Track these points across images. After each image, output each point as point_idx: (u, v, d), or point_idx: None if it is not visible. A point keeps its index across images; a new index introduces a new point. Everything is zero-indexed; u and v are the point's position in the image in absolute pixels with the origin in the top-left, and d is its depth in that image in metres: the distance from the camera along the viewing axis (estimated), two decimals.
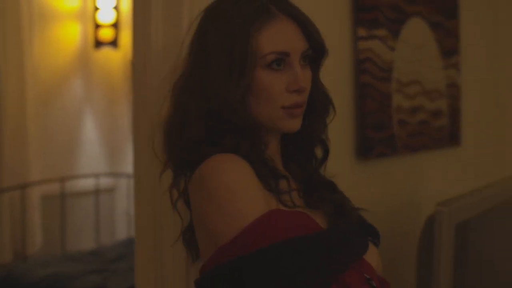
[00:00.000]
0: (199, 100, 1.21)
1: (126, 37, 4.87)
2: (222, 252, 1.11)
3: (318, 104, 1.32)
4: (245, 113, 1.22)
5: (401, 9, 2.38)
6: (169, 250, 1.53)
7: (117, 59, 4.98)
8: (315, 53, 1.28)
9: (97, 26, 4.86)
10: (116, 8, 4.89)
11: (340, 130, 1.99)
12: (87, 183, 4.74)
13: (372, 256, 1.25)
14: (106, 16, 4.84)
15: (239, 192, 1.13)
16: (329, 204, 1.30)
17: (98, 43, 4.88)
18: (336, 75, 2.08)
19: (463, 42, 3.01)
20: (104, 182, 4.85)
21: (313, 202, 1.28)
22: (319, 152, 1.41)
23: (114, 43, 4.89)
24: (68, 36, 4.76)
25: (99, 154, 4.93)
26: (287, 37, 1.21)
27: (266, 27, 1.19)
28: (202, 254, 1.25)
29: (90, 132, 4.87)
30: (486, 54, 3.40)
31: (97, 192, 4.79)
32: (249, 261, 1.08)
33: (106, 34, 4.86)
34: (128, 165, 4.62)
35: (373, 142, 2.21)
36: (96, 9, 4.86)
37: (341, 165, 1.94)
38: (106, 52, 4.93)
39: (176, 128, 1.24)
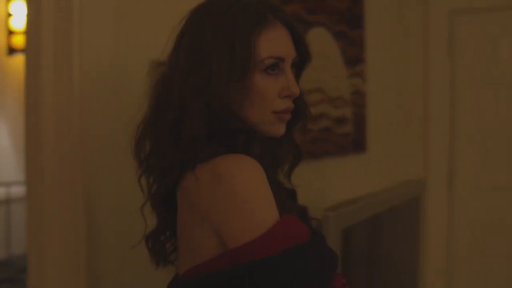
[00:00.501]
0: (200, 102, 1.19)
1: None
2: (246, 250, 1.10)
3: (300, 111, 1.33)
4: (240, 116, 1.23)
5: (302, 19, 2.44)
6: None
7: None
8: (301, 60, 1.31)
9: (10, 33, 4.78)
10: None
11: None
12: None
13: None
14: (19, 23, 4.76)
15: (261, 195, 1.13)
16: (294, 212, 1.29)
17: (11, 50, 4.79)
18: None
19: (368, 51, 3.11)
20: (16, 190, 4.76)
21: (279, 209, 1.19)
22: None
23: None
24: None
25: (12, 162, 4.85)
26: (283, 44, 1.25)
27: (265, 33, 1.22)
28: (189, 254, 1.22)
29: (3, 139, 4.79)
30: (390, 62, 3.52)
31: (8, 201, 4.70)
32: (273, 263, 1.09)
33: (19, 40, 4.77)
34: None
35: None
36: (9, 15, 4.78)
37: None
38: (20, 59, 4.85)
39: (168, 130, 1.22)
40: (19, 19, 4.79)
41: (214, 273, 1.13)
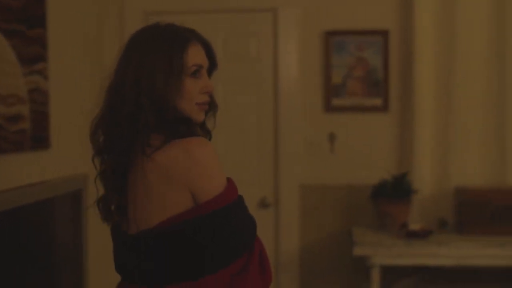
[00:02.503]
0: (149, 100, 1.68)
1: None
2: (210, 204, 1.66)
3: (211, 104, 1.85)
4: (176, 108, 1.74)
5: None
6: None
7: None
8: (211, 67, 1.86)
9: None
10: None
11: None
12: None
13: None
14: None
15: (217, 164, 1.69)
16: None
17: None
18: None
19: (51, 49, 3.16)
20: None
21: None
22: None
23: None
24: None
25: None
26: (201, 56, 1.79)
27: (190, 49, 1.75)
28: (155, 212, 1.69)
29: None
30: (81, 60, 3.60)
31: None
32: (232, 207, 1.70)
33: None
34: None
35: None
36: None
37: None
38: None
39: (126, 121, 1.69)
40: None
41: (191, 218, 1.65)
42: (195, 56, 1.77)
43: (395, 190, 3.91)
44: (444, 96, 4.13)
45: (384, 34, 4.21)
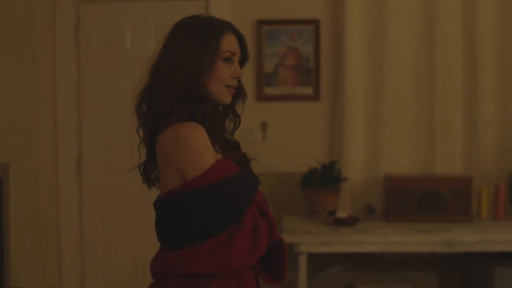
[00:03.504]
0: (181, 77, 1.89)
1: None
2: (196, 181, 1.83)
3: (238, 91, 2.03)
4: (204, 87, 1.92)
5: None
6: None
7: None
8: (243, 59, 2.03)
9: None
10: None
11: None
12: None
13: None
14: None
15: (204, 147, 1.85)
16: (236, 156, 2.00)
17: None
18: None
19: None
20: None
21: (227, 154, 1.98)
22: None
23: None
24: None
25: None
26: (235, 45, 1.97)
27: (226, 36, 1.94)
28: (164, 184, 1.92)
29: None
30: (14, 50, 3.55)
31: None
32: (217, 185, 1.83)
33: None
34: None
35: None
36: None
37: None
38: None
39: (158, 96, 1.90)
40: None
41: (177, 194, 1.84)
42: (229, 43, 1.96)
43: (324, 178, 3.96)
44: (374, 85, 4.19)
45: (315, 23, 4.24)
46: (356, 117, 4.18)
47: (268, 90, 4.28)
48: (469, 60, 4.19)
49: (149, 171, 2.02)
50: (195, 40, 1.92)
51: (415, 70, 4.21)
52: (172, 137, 1.85)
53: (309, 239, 3.68)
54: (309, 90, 4.26)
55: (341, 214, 3.79)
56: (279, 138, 4.29)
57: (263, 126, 4.29)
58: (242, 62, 2.04)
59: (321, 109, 4.28)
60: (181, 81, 1.89)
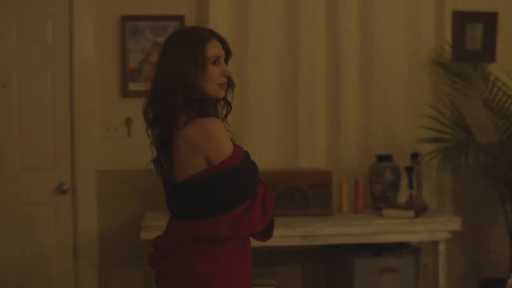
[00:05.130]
0: (181, 85, 2.24)
1: None
2: (222, 165, 2.23)
3: (230, 83, 2.39)
4: (201, 89, 2.29)
5: None
6: None
7: None
8: (227, 56, 2.40)
9: None
10: None
11: None
12: None
13: None
14: None
15: (225, 137, 2.25)
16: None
17: None
18: None
19: None
20: None
21: None
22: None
23: None
24: None
25: None
26: (218, 48, 2.33)
27: (209, 44, 2.30)
28: (185, 170, 2.26)
29: None
30: None
31: None
32: (237, 167, 2.24)
33: None
34: None
35: None
36: None
37: None
38: None
39: (164, 101, 2.26)
40: None
41: (206, 176, 2.24)
42: (213, 49, 2.31)
43: None
44: (238, 82, 4.18)
45: (180, 19, 4.23)
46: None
47: (133, 86, 4.24)
48: (332, 57, 4.29)
49: (162, 163, 2.36)
50: (185, 52, 2.27)
51: (278, 67, 4.27)
52: (198, 130, 2.23)
53: None
54: None
55: None
56: (144, 135, 4.22)
57: (128, 122, 4.24)
58: (226, 59, 2.41)
59: None
60: (182, 88, 2.25)
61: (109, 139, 4.25)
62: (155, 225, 3.69)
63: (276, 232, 3.63)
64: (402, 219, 3.88)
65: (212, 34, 2.37)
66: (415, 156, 4.16)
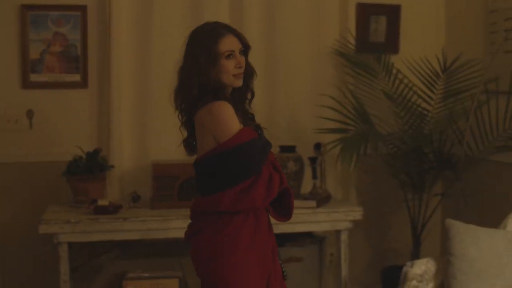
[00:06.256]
0: (197, 78, 2.46)
1: None
2: (227, 143, 2.40)
3: (248, 73, 2.58)
4: (218, 80, 2.48)
5: None
6: None
7: None
8: (245, 49, 2.54)
9: None
10: None
11: None
12: None
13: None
14: None
15: (231, 118, 2.42)
16: (252, 125, 2.57)
17: None
18: None
19: None
20: None
21: (247, 123, 2.54)
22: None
23: None
24: None
25: None
26: (233, 42, 2.49)
27: (222, 40, 2.47)
28: (200, 149, 2.50)
29: None
30: None
31: None
32: (241, 146, 2.40)
33: None
34: None
35: None
36: None
37: None
38: None
39: (185, 91, 2.51)
40: None
41: (214, 154, 2.43)
42: (226, 44, 2.47)
43: (88, 166, 3.92)
44: (142, 72, 4.19)
45: (82, 9, 4.16)
46: (124, 105, 4.16)
47: (34, 77, 4.15)
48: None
49: (190, 144, 2.62)
50: (201, 49, 2.47)
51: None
52: (207, 112, 2.43)
53: (68, 228, 3.63)
54: (77, 77, 4.19)
55: (103, 202, 3.77)
56: (46, 127, 4.18)
57: (29, 114, 4.16)
58: (245, 51, 2.56)
59: (89, 97, 4.22)
60: (198, 82, 2.46)
61: (10, 132, 4.16)
62: (54, 219, 3.65)
63: (177, 224, 3.70)
64: (304, 209, 3.92)
65: (228, 29, 2.54)
66: (318, 146, 4.20)
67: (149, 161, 4.14)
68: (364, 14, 4.53)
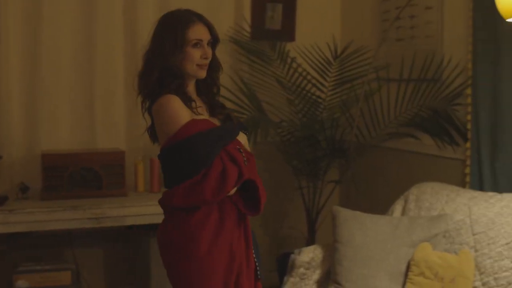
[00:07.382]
0: (161, 62, 2.43)
1: None
2: (173, 138, 2.37)
3: (213, 66, 2.55)
4: (181, 68, 2.46)
5: None
6: None
7: None
8: (214, 41, 2.51)
9: None
10: None
11: None
12: None
13: (241, 138, 2.51)
14: None
15: (177, 113, 2.38)
16: (221, 115, 2.56)
17: None
18: None
19: None
20: None
21: (214, 114, 2.55)
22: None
23: None
24: None
25: None
26: (202, 32, 2.46)
27: (192, 28, 2.44)
28: (160, 142, 2.47)
29: None
30: None
31: None
32: (189, 139, 2.35)
33: None
34: None
35: None
36: None
37: None
38: None
39: (146, 77, 2.48)
40: None
41: (166, 147, 2.40)
42: (195, 32, 2.44)
43: None
44: (32, 60, 4.07)
45: None
46: (13, 93, 4.04)
47: None
48: (129, 37, 4.23)
49: (155, 132, 2.53)
50: (168, 32, 2.44)
51: (75, 46, 4.16)
52: (156, 106, 2.42)
53: None
54: None
55: None
56: None
57: None
58: (214, 44, 2.53)
59: None
60: (160, 64, 2.42)
61: None
62: None
63: (64, 215, 3.63)
64: None
65: (199, 18, 2.50)
66: None
67: (39, 151, 4.03)
68: (260, 1, 4.53)
